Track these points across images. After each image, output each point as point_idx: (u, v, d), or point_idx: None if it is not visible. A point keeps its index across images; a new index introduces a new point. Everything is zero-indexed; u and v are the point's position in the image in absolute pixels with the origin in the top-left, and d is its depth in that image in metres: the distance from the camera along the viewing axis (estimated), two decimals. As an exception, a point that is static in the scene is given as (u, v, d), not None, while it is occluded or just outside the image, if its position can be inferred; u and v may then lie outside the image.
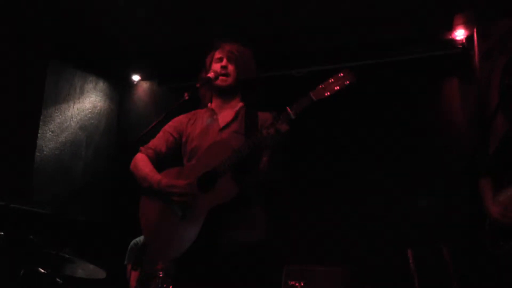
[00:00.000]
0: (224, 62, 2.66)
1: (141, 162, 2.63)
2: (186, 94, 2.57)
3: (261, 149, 2.38)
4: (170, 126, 2.73)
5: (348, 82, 2.29)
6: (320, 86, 2.29)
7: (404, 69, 5.05)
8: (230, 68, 2.65)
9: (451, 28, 4.88)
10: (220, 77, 2.64)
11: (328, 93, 2.28)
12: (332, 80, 2.29)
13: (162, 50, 5.62)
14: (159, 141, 2.71)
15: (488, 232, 3.03)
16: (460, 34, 4.89)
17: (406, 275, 4.00)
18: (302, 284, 4.19)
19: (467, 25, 4.84)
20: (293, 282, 4.21)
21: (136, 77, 6.25)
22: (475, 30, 4.78)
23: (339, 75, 2.30)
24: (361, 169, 4.93)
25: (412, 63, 5.02)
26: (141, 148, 2.70)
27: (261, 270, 2.44)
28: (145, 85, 6.27)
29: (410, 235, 4.47)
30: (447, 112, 4.90)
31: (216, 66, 2.67)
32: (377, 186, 4.82)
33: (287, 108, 2.28)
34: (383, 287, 4.15)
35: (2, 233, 3.74)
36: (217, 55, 2.71)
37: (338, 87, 2.28)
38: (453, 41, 4.91)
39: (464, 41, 4.89)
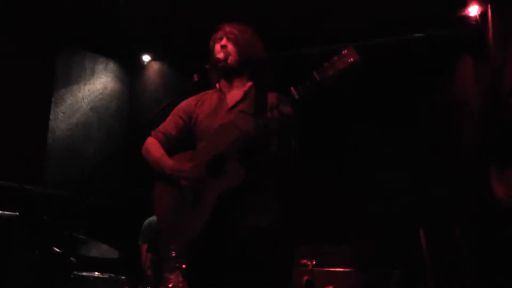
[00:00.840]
0: (223, 42, 2.63)
1: (152, 147, 2.63)
2: (195, 76, 2.56)
3: (270, 131, 2.35)
4: (179, 109, 2.72)
5: (352, 59, 2.21)
6: (324, 65, 2.23)
7: (416, 47, 4.98)
8: (230, 47, 2.61)
9: (464, 4, 4.78)
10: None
11: (333, 72, 2.21)
12: (336, 58, 2.23)
13: (173, 30, 5.58)
14: (168, 125, 2.70)
15: (497, 213, 3.00)
16: (473, 10, 4.79)
17: (418, 254, 4.00)
18: (313, 262, 4.21)
19: (481, 1, 4.74)
20: (304, 261, 4.24)
21: (146, 58, 6.22)
22: (489, 6, 4.68)
23: (343, 53, 2.23)
24: (372, 149, 4.92)
25: (425, 41, 4.95)
26: (152, 132, 2.69)
27: (274, 254, 2.42)
28: (155, 65, 6.24)
29: (422, 216, 4.46)
30: (461, 91, 4.84)
31: (217, 46, 2.65)
32: (388, 166, 4.81)
33: (292, 88, 2.25)
34: (394, 266, 4.16)
35: (17, 213, 3.78)
36: (218, 35, 2.68)
37: (342, 66, 2.21)
38: (467, 18, 4.83)
39: (478, 17, 4.80)
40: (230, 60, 2.61)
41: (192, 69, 2.58)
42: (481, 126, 4.38)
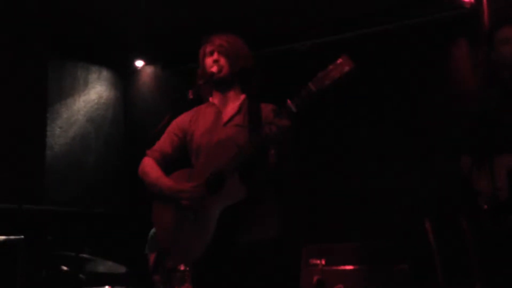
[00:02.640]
0: (215, 56, 2.61)
1: (149, 167, 2.62)
2: (190, 93, 2.55)
3: (269, 145, 2.35)
4: (174, 127, 2.71)
5: (347, 68, 2.20)
6: (319, 75, 2.21)
7: (409, 34, 4.90)
8: (222, 61, 2.60)
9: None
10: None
11: (328, 82, 2.19)
12: (331, 67, 2.21)
13: (164, 33, 5.52)
14: (164, 143, 2.69)
15: (487, 209, 2.89)
16: (467, -6, 4.71)
17: (424, 246, 3.96)
18: (323, 262, 4.18)
19: (475, -16, 4.66)
20: (314, 261, 4.21)
21: (139, 63, 6.15)
22: (483, -13, 4.59)
23: (337, 62, 2.21)
24: (370, 143, 4.86)
25: (418, 27, 4.87)
26: (147, 151, 2.69)
27: (277, 267, 2.44)
28: (149, 69, 6.18)
29: (428, 208, 4.42)
30: (457, 77, 4.76)
31: (208, 60, 2.63)
32: (387, 159, 4.75)
33: (288, 101, 2.23)
34: (403, 260, 4.12)
35: (22, 236, 3.77)
36: (208, 48, 2.66)
37: (338, 75, 2.19)
38: (461, 2, 4.74)
39: (473, 1, 4.71)
40: (224, 72, 2.60)
41: (186, 71, 2.51)
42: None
